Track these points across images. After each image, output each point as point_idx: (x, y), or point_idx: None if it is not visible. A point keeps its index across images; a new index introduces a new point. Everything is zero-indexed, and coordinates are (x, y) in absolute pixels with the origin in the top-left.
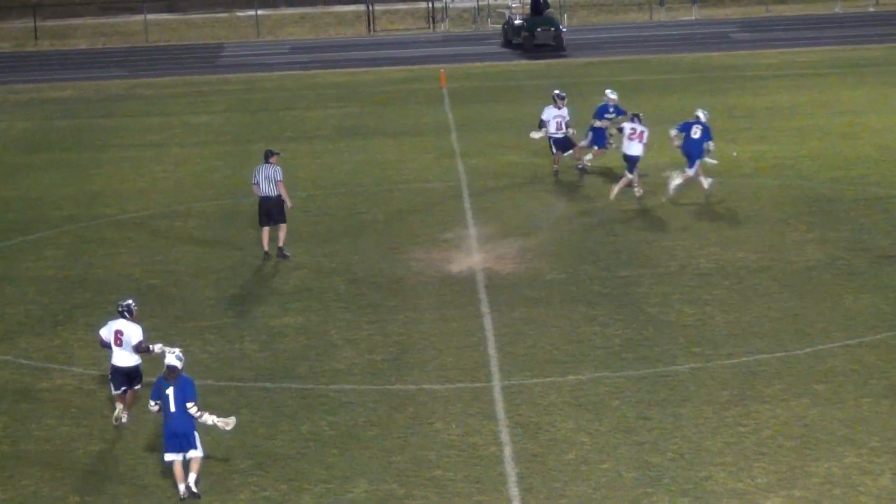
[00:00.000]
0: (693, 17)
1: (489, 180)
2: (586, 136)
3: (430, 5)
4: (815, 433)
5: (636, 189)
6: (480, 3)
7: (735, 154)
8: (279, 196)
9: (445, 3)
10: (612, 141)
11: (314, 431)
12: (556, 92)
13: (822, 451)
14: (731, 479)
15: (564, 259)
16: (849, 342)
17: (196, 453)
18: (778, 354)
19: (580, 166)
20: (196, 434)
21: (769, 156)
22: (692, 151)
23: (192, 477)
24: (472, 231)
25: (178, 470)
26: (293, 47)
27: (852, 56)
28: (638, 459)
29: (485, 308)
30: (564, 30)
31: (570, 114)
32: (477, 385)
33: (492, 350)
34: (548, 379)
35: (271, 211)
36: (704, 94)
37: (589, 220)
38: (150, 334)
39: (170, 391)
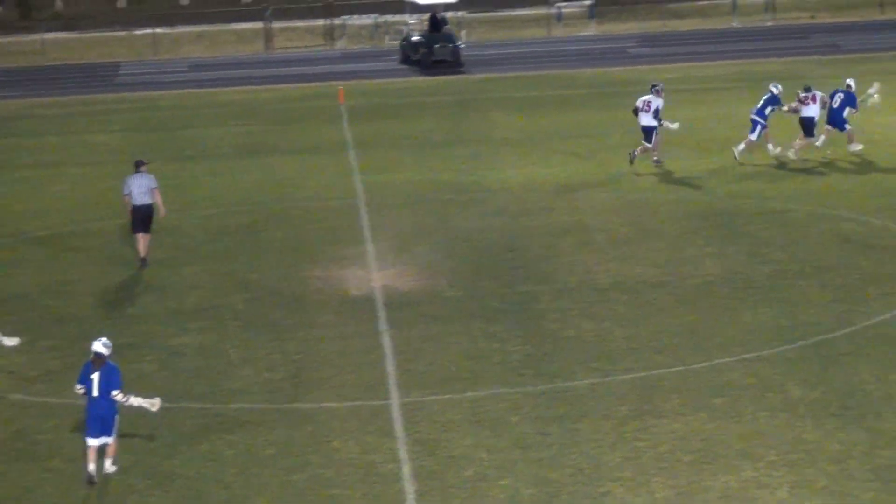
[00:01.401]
0: (591, 33)
1: (388, 197)
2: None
3: (329, 22)
4: (712, 447)
5: (654, 158)
6: (378, 19)
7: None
8: (152, 205)
9: (343, 20)
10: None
11: (213, 451)
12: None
13: (719, 466)
14: (630, 494)
15: (463, 275)
16: (746, 356)
17: (110, 440)
18: (676, 369)
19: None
20: (116, 420)
21: (667, 170)
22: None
23: (107, 462)
24: (371, 248)
25: (91, 453)
26: (191, 65)
27: (750, 70)
28: (537, 475)
29: (383, 325)
30: (462, 46)
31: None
32: (375, 403)
33: (390, 367)
34: (446, 396)
35: (145, 219)
36: (603, 110)
37: (488, 237)
38: (47, 355)
39: (95, 377)
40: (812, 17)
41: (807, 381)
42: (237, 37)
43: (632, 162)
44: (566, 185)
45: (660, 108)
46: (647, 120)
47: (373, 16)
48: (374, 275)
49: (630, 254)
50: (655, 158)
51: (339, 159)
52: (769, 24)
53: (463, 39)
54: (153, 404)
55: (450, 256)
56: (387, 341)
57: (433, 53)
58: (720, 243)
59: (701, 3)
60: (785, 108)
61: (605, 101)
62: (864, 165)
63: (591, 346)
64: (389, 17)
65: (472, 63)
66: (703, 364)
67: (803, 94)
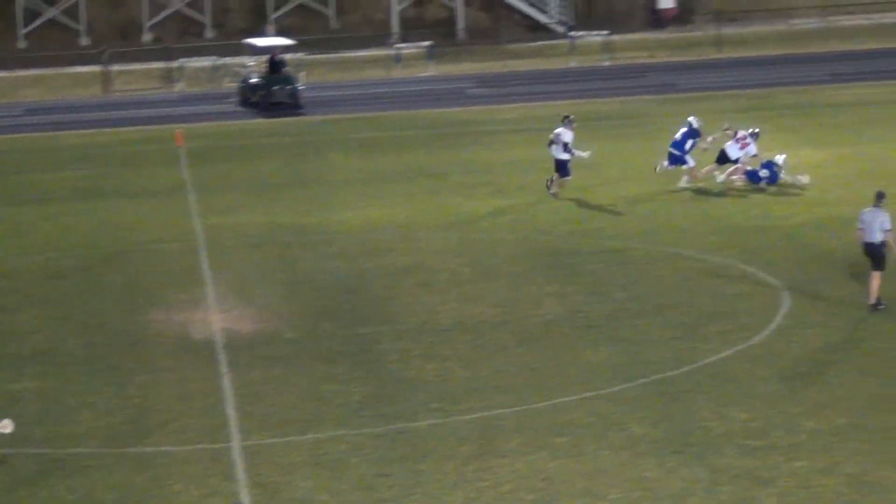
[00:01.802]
0: (430, 74)
1: (228, 240)
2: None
3: (167, 65)
4: (554, 486)
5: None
6: (217, 62)
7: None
8: None
9: (181, 62)
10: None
11: (53, 496)
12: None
13: None
14: None
15: (304, 317)
16: (587, 395)
17: None
18: (517, 408)
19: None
20: None
21: (507, 210)
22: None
23: None
24: (211, 291)
25: None
26: (27, 109)
27: (588, 109)
28: None
29: (224, 368)
30: (302, 87)
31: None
32: (216, 446)
33: (231, 410)
34: (287, 438)
35: None
36: (442, 150)
37: (329, 279)
38: None
39: None
40: (651, 56)
41: (648, 419)
42: (75, 80)
43: (548, 188)
44: (406, 225)
45: (569, 140)
46: (557, 152)
47: (211, 58)
48: (215, 317)
49: (471, 294)
50: (553, 191)
51: (178, 202)
52: (607, 63)
53: (302, 81)
54: (4, 426)
55: (290, 298)
56: (227, 384)
57: (272, 95)
58: (561, 282)
59: (539, 43)
60: (710, 139)
61: (444, 142)
62: (700, 203)
63: (432, 387)
64: (228, 60)
65: (312, 104)
66: (545, 403)
67: (741, 134)
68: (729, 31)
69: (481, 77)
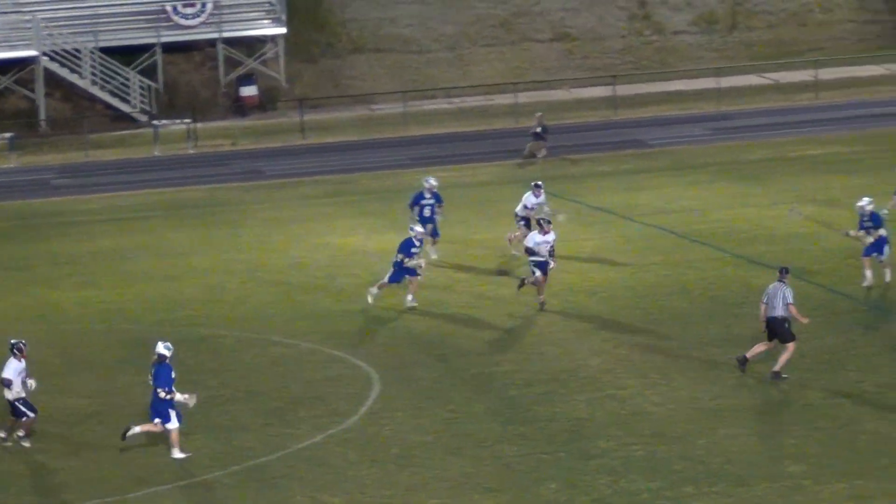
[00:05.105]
0: (12, 165)
1: None
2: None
3: None
4: None
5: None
6: None
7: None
8: None
9: None
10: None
11: None
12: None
13: None
14: None
15: None
16: (181, 483)
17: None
18: (110, 499)
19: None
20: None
21: (95, 300)
22: None
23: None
24: None
25: None
26: None
27: (174, 198)
28: None
29: None
30: None
31: None
32: None
33: None
34: None
35: None
36: (28, 241)
37: None
38: None
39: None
40: (234, 144)
41: None
42: None
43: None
44: None
45: (530, 204)
46: (522, 211)
47: None
48: None
49: (60, 386)
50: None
51: None
52: (192, 151)
53: None
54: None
55: None
56: None
57: None
58: (147, 372)
59: (122, 132)
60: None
61: (30, 233)
62: (287, 289)
63: (27, 481)
64: None
65: None
66: (136, 493)
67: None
68: (312, 117)
69: (65, 167)
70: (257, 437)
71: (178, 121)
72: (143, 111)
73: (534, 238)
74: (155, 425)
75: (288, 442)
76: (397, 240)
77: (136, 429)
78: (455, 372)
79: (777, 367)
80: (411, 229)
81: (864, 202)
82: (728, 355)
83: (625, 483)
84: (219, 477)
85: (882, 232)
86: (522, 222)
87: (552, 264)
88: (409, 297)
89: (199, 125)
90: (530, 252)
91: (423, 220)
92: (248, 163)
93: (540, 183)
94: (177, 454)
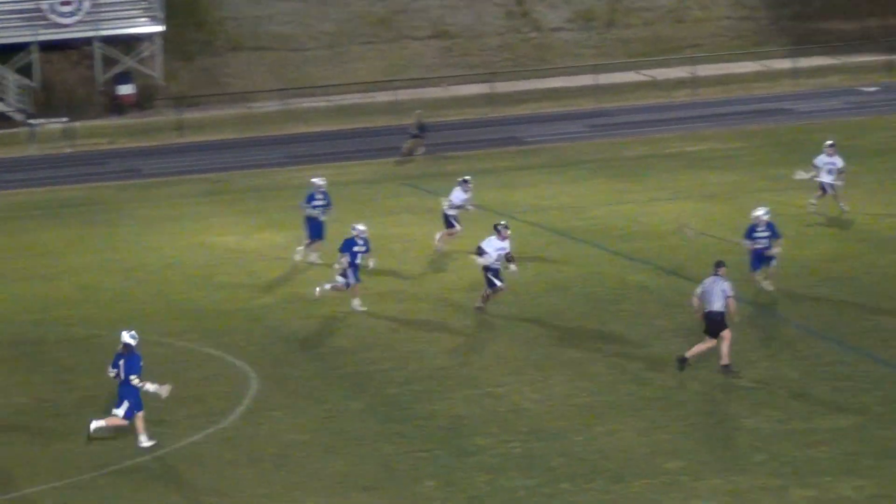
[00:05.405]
0: None
1: None
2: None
3: None
4: None
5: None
6: None
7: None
8: None
9: None
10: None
11: None
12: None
13: None
14: None
15: None
16: (57, 484)
17: None
18: None
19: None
20: None
21: None
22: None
23: None
24: None
25: None
26: None
27: (51, 197)
28: None
29: None
30: None
31: None
32: None
33: None
34: None
35: None
36: None
37: None
38: None
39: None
40: (111, 143)
41: None
42: None
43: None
44: None
45: (458, 200)
46: (447, 207)
47: None
48: None
49: None
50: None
51: None
52: (69, 150)
53: None
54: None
55: None
56: None
57: None
58: (26, 372)
59: None
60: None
61: None
62: (163, 287)
63: None
64: None
65: None
66: (13, 495)
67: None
68: (190, 115)
69: None
70: (135, 437)
71: (54, 120)
72: (19, 110)
73: (492, 244)
74: (115, 416)
75: (165, 441)
76: (275, 238)
77: (101, 423)
78: (332, 370)
79: (725, 361)
80: (353, 228)
81: (761, 212)
82: (604, 351)
83: (502, 480)
84: (95, 477)
85: (776, 249)
86: (453, 219)
87: (514, 270)
88: (357, 302)
89: (76, 124)
90: (483, 257)
91: (314, 221)
92: (125, 161)
93: (468, 178)
94: (145, 442)
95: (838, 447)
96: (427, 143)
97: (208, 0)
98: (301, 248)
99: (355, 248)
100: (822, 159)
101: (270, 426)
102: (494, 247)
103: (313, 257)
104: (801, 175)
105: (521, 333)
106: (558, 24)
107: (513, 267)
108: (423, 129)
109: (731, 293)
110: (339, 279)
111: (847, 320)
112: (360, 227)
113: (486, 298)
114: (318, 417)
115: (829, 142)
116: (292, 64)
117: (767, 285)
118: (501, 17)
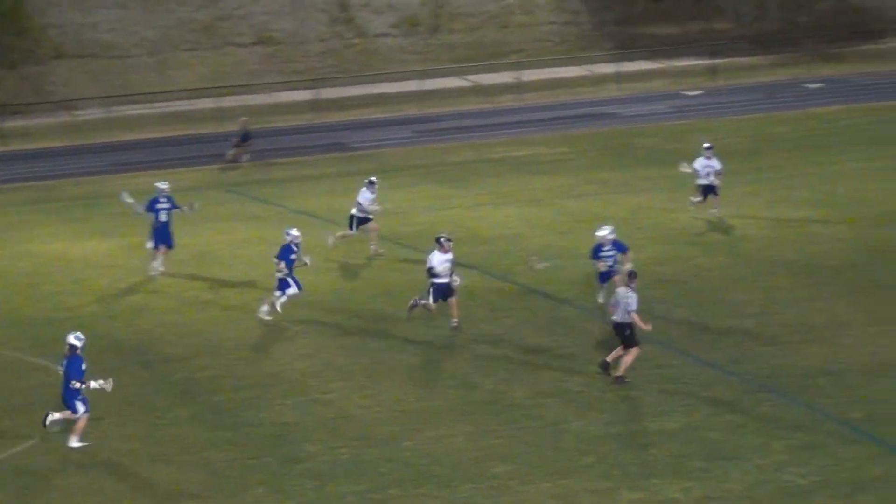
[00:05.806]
0: None
1: None
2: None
3: None
4: None
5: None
6: None
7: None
8: None
9: None
10: None
11: None
12: None
13: None
14: None
15: None
16: None
17: None
18: None
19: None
20: None
21: None
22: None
23: None
24: None
25: None
26: None
27: None
28: None
29: None
30: None
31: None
32: None
33: None
34: None
35: None
36: None
37: None
38: None
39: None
40: None
41: None
42: None
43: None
44: None
45: (366, 202)
46: (358, 210)
47: None
48: None
49: None
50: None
51: None
52: None
53: None
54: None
55: None
56: None
57: None
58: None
59: None
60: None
61: None
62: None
63: None
64: None
65: None
66: None
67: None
68: (13, 123)
69: None
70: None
71: None
72: None
73: (436, 257)
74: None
75: None
76: (101, 246)
77: (56, 415)
78: (159, 378)
79: (620, 372)
80: (287, 234)
81: (606, 231)
82: (433, 356)
83: (331, 487)
84: None
85: (627, 265)
86: (359, 221)
87: (458, 281)
88: (265, 309)
89: None
90: (433, 273)
91: (160, 227)
92: None
93: (374, 179)
94: (74, 443)
95: (666, 449)
96: (252, 149)
97: (31, 7)
98: (154, 262)
99: (292, 256)
100: (700, 162)
101: (99, 434)
102: (439, 260)
103: (156, 263)
104: (685, 168)
105: (349, 339)
106: (383, 29)
107: (457, 278)
108: (247, 135)
109: (633, 308)
110: (277, 293)
111: (674, 323)
112: (295, 231)
113: (413, 307)
114: (146, 425)
115: (707, 144)
116: (116, 71)
117: (603, 295)
118: (325, 23)
